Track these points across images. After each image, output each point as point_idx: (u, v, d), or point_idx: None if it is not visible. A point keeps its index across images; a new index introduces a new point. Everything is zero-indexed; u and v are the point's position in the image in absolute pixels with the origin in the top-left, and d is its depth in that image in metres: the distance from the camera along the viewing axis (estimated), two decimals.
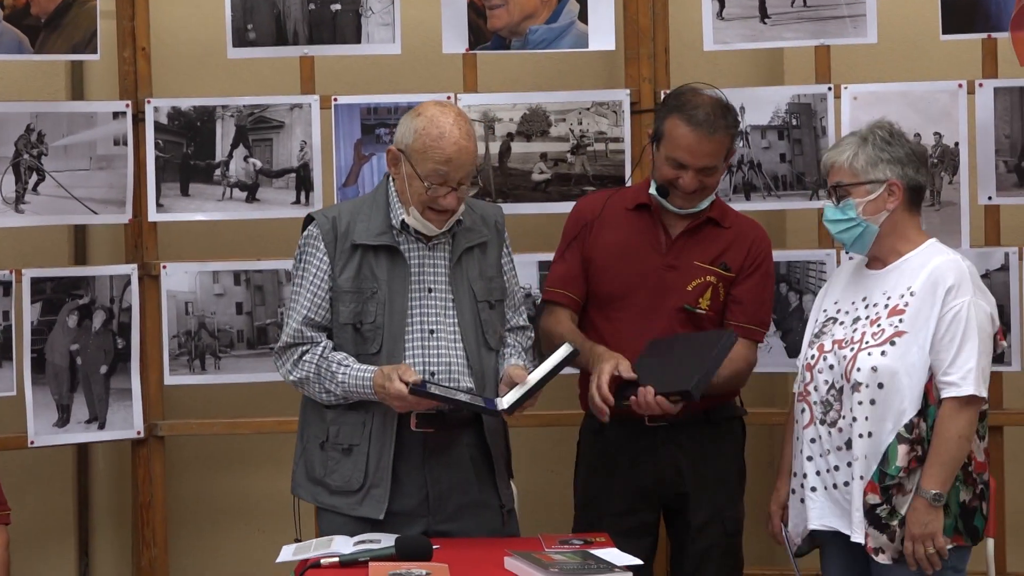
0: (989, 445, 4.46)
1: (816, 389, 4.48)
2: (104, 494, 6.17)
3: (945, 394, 4.29)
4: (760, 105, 5.56)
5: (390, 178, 4.52)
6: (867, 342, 4.37)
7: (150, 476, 5.76)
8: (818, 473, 4.48)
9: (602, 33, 5.62)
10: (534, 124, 5.66)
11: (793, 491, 4.56)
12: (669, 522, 4.96)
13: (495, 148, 5.65)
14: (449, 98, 5.59)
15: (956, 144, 5.47)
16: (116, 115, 5.65)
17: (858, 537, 4.36)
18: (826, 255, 5.59)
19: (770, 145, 5.56)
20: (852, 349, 4.38)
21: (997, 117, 5.49)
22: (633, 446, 4.80)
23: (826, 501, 4.47)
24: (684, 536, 4.90)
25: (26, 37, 5.47)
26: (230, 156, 5.68)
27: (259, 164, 5.68)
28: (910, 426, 4.29)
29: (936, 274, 4.34)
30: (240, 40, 5.64)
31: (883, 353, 4.33)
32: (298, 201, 5.65)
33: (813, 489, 4.49)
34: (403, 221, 4.45)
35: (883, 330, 4.36)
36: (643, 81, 5.68)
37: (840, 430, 4.41)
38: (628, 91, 5.67)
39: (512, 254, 4.70)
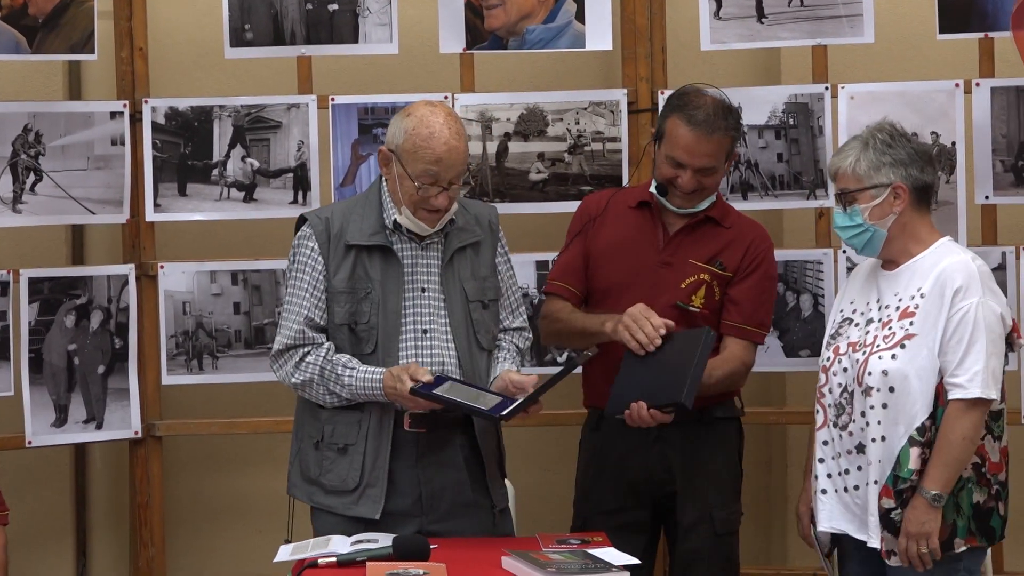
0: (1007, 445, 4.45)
1: (831, 391, 4.48)
2: (102, 494, 6.17)
3: (952, 396, 4.28)
4: (757, 105, 5.56)
5: (383, 178, 4.51)
6: (878, 345, 4.36)
7: (148, 476, 5.76)
8: (829, 476, 4.48)
9: (599, 33, 5.62)
10: (531, 124, 5.66)
11: (815, 492, 4.57)
12: (663, 521, 4.96)
13: (492, 148, 5.66)
14: (446, 98, 5.59)
15: (953, 144, 5.47)
16: (113, 115, 5.65)
17: (874, 542, 4.35)
18: (823, 255, 5.59)
19: (767, 145, 5.56)
20: (864, 353, 4.38)
21: (994, 117, 5.49)
22: (624, 443, 4.81)
23: (836, 504, 4.47)
24: (674, 535, 4.90)
25: (23, 37, 5.47)
26: (227, 156, 5.68)
27: (256, 164, 5.68)
28: (922, 429, 4.28)
29: (944, 276, 4.33)
30: (237, 40, 5.64)
31: (893, 356, 4.32)
32: (295, 201, 5.65)
33: (824, 492, 4.49)
34: (396, 221, 4.45)
35: (894, 333, 4.35)
36: (640, 81, 5.68)
37: (851, 433, 4.41)
38: (625, 91, 5.67)
39: (509, 254, 4.69)
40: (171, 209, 5.69)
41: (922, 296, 4.35)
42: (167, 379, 5.71)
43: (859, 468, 4.40)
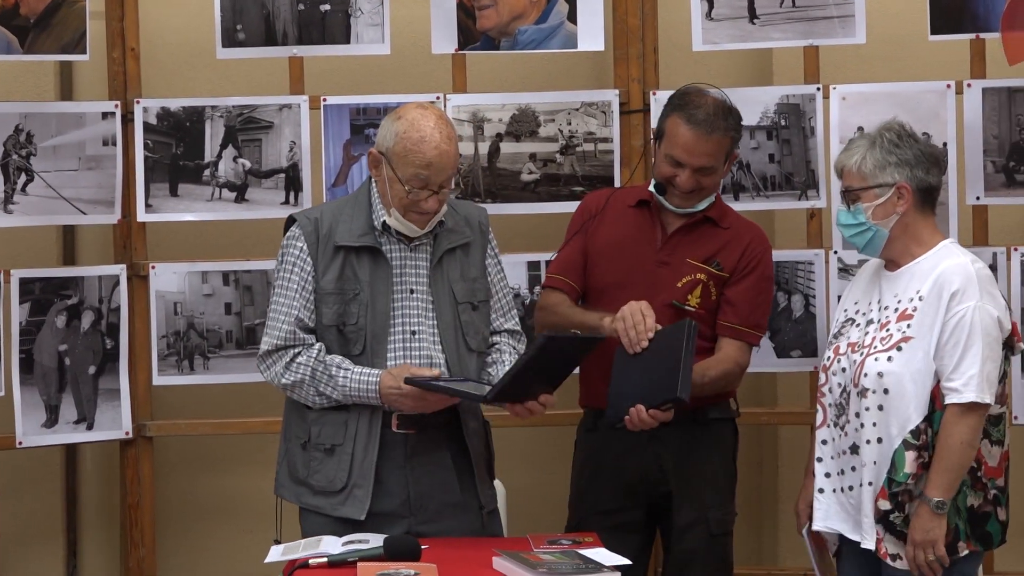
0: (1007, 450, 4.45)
1: (831, 391, 4.48)
2: (92, 494, 6.16)
3: (948, 400, 4.27)
4: (749, 105, 5.54)
5: (372, 179, 4.50)
6: (875, 347, 4.36)
7: (138, 476, 5.76)
8: (827, 475, 4.48)
9: (591, 34, 5.62)
10: (523, 124, 5.66)
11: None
12: (658, 522, 4.97)
13: (484, 148, 5.65)
14: (438, 98, 5.60)
15: (944, 144, 5.46)
16: (105, 115, 5.64)
17: (868, 543, 4.35)
18: (815, 255, 5.59)
19: (759, 145, 5.57)
20: (861, 354, 4.38)
21: (985, 117, 5.50)
22: (620, 444, 4.81)
23: (832, 503, 4.48)
24: (669, 536, 4.91)
25: (15, 37, 5.46)
26: (219, 156, 5.67)
27: (248, 164, 5.68)
28: (916, 432, 4.28)
29: (942, 279, 4.33)
30: (229, 40, 5.64)
31: (889, 359, 4.32)
32: (287, 201, 5.65)
33: (821, 491, 4.49)
34: (385, 222, 4.44)
35: (891, 335, 4.35)
36: (632, 81, 5.68)
37: (846, 434, 4.41)
38: (617, 91, 5.67)
39: (500, 255, 4.68)
40: (162, 209, 5.68)
41: (920, 298, 4.35)
42: (158, 379, 5.71)
43: (853, 469, 4.40)
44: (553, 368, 4.39)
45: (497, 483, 4.70)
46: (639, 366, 4.56)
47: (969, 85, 5.51)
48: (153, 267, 5.68)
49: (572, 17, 5.61)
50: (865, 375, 4.34)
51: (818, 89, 5.58)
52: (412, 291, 4.46)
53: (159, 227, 5.81)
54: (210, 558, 6.15)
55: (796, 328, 5.58)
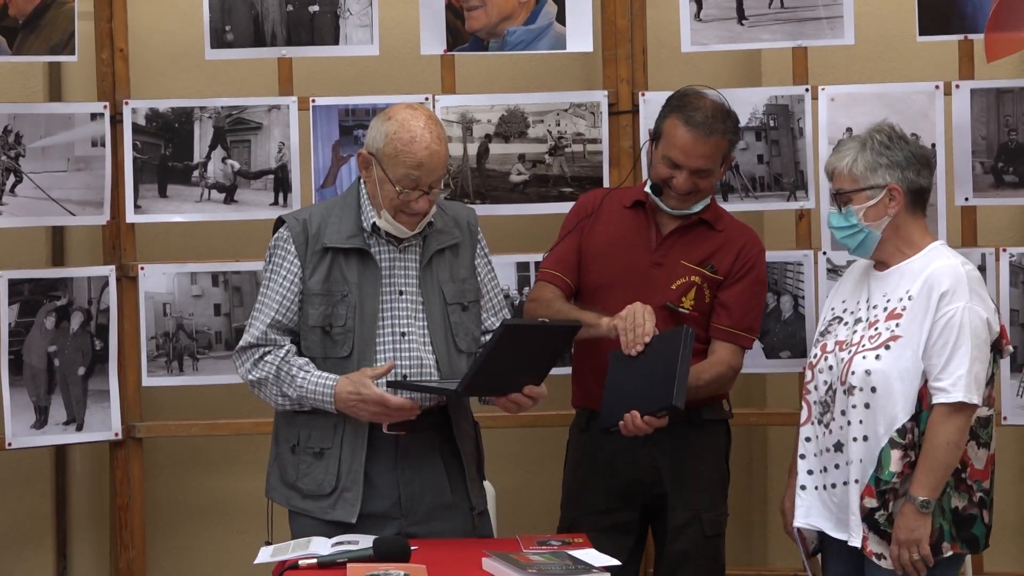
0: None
1: (816, 389, 4.49)
2: (82, 496, 6.15)
3: (935, 400, 4.28)
4: (738, 106, 5.50)
5: (361, 180, 4.50)
6: (863, 345, 4.37)
7: (128, 478, 5.75)
8: (810, 472, 4.49)
9: (580, 34, 5.62)
10: (512, 125, 5.66)
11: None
12: (650, 523, 4.97)
13: (473, 149, 5.65)
14: (427, 99, 5.59)
15: (933, 145, 5.47)
16: (94, 116, 5.64)
17: (855, 541, 4.35)
18: (804, 256, 5.59)
19: (747, 146, 5.57)
20: (849, 352, 4.39)
21: (974, 118, 5.50)
22: (613, 445, 4.81)
23: (815, 500, 4.48)
24: (663, 537, 4.91)
25: (3, 38, 5.44)
26: (208, 157, 5.67)
27: (237, 165, 5.67)
28: (903, 431, 4.29)
29: (932, 279, 4.34)
30: (218, 41, 5.64)
31: (877, 357, 4.33)
32: (276, 202, 5.65)
33: (803, 488, 4.50)
34: (374, 223, 4.44)
35: (879, 333, 4.36)
36: (621, 82, 5.68)
37: (831, 431, 4.42)
38: (606, 92, 5.68)
39: (490, 256, 4.69)
40: (151, 210, 5.68)
41: (910, 298, 4.36)
42: (147, 380, 5.70)
43: (836, 466, 4.41)
44: (534, 359, 4.37)
45: (487, 484, 4.70)
46: (634, 371, 4.57)
47: (957, 86, 5.52)
48: (142, 268, 5.67)
49: (561, 18, 5.61)
50: (853, 373, 4.35)
51: (807, 90, 5.58)
52: (401, 292, 4.46)
53: (148, 228, 5.81)
54: (200, 559, 6.15)
55: (785, 329, 5.59)
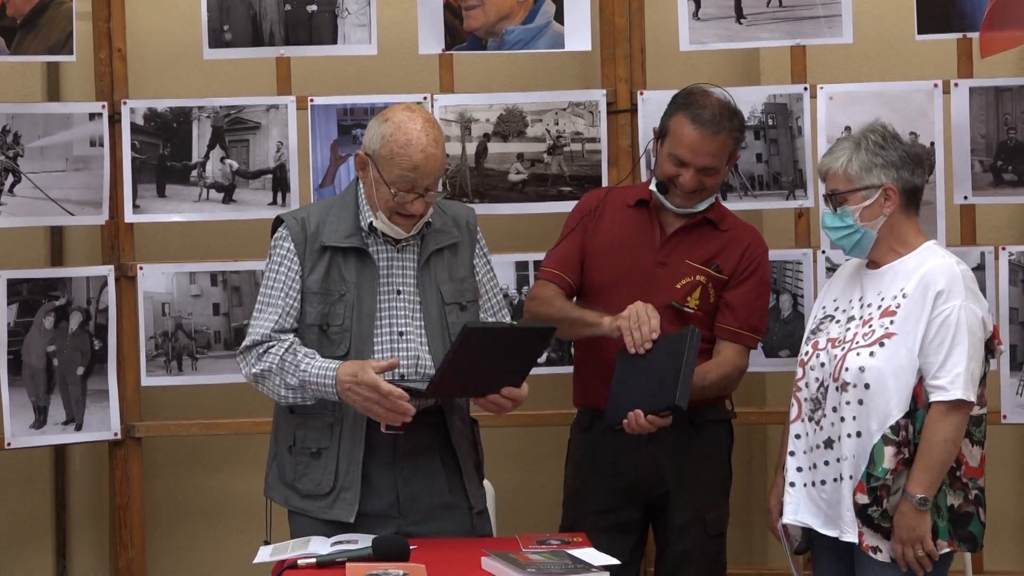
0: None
1: (807, 386, 4.49)
2: (81, 495, 6.15)
3: (933, 398, 4.29)
4: (736, 105, 5.57)
5: (359, 179, 4.50)
6: (857, 342, 4.37)
7: (127, 477, 5.75)
8: (799, 469, 4.49)
9: (578, 34, 5.62)
10: (511, 124, 5.66)
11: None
12: (652, 522, 4.97)
13: (471, 149, 5.65)
14: (425, 99, 5.60)
15: (932, 144, 5.48)
16: (92, 116, 5.64)
17: (849, 537, 4.36)
18: (803, 255, 5.60)
19: (746, 145, 5.56)
20: (842, 349, 4.39)
21: (973, 117, 5.51)
22: (616, 444, 4.81)
23: (803, 497, 4.48)
24: (665, 536, 4.92)
25: (1, 38, 5.45)
26: (206, 157, 5.67)
27: (236, 165, 5.67)
28: (896, 428, 4.29)
29: (928, 278, 4.34)
30: (216, 41, 5.64)
31: (871, 354, 4.33)
32: (275, 202, 5.65)
33: (792, 484, 4.49)
34: (371, 224, 4.43)
35: (873, 331, 4.36)
36: (619, 81, 5.68)
37: (822, 428, 4.42)
38: (604, 91, 5.68)
39: (489, 255, 4.68)
40: (150, 210, 5.68)
41: (904, 296, 4.36)
42: (146, 380, 5.70)
43: (826, 463, 4.41)
44: (507, 361, 4.32)
45: (486, 483, 4.70)
46: (640, 371, 4.57)
47: (956, 84, 5.52)
48: (141, 268, 5.67)
49: (559, 17, 5.61)
50: (846, 369, 4.35)
51: (805, 89, 5.58)
52: (399, 292, 4.45)
53: (147, 228, 5.81)
54: (199, 559, 6.15)
55: (784, 328, 5.59)
